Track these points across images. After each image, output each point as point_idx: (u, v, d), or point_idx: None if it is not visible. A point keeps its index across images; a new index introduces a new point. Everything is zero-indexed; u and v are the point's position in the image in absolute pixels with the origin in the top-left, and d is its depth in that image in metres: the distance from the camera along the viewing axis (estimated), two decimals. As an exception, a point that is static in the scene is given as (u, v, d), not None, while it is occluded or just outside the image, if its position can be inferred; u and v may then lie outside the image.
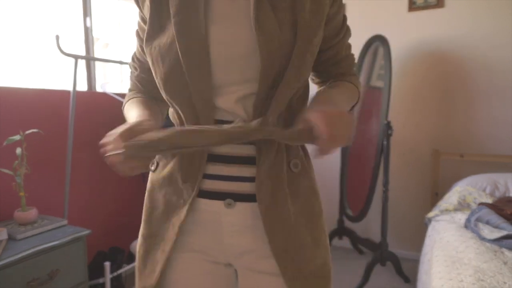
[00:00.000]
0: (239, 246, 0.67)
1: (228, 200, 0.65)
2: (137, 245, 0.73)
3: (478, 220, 1.73)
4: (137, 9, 0.74)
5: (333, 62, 0.77)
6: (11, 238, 1.40)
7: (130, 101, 0.78)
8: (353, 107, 0.80)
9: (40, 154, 1.76)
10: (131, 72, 0.83)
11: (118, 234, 2.20)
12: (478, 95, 2.39)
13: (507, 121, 2.33)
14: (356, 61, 0.83)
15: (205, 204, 0.67)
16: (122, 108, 0.81)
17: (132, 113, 0.72)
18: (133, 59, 0.80)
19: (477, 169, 2.36)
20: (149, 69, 0.71)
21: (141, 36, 0.72)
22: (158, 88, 0.70)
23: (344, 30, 0.74)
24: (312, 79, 0.84)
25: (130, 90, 0.84)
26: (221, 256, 0.70)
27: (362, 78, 2.59)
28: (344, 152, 2.67)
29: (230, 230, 0.67)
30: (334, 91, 0.74)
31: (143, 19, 0.72)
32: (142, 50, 0.73)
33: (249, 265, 0.69)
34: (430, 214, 2.10)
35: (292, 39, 0.61)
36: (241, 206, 0.65)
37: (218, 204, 0.66)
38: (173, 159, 0.69)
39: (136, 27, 0.76)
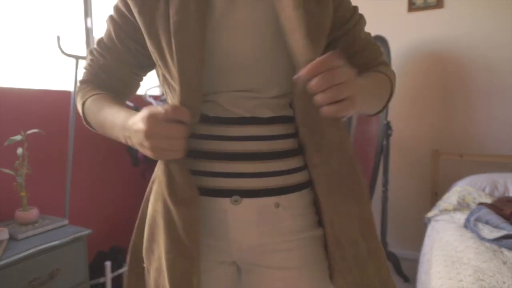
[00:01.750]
0: (245, 241, 0.67)
1: (235, 197, 0.65)
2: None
3: (478, 220, 1.73)
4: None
5: (353, 52, 0.73)
6: (12, 238, 1.40)
7: (95, 99, 0.71)
8: (387, 101, 0.76)
9: (41, 154, 1.76)
10: (92, 60, 0.75)
11: (118, 234, 2.20)
12: (478, 95, 2.40)
13: (506, 121, 2.33)
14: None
15: (212, 202, 0.66)
16: (80, 108, 0.74)
17: (113, 112, 0.66)
18: (100, 45, 0.74)
19: (477, 169, 2.37)
20: (121, 58, 0.72)
21: (121, 22, 0.70)
22: (122, 81, 0.73)
23: (355, 18, 0.71)
24: None
25: (84, 82, 0.77)
26: (227, 254, 0.69)
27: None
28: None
29: (236, 226, 0.66)
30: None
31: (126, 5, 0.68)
32: (119, 36, 0.70)
33: (254, 260, 0.69)
34: (430, 214, 2.11)
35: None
36: (247, 202, 0.66)
37: (224, 202, 0.66)
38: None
39: (112, 13, 0.72)
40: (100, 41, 0.74)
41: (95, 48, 0.75)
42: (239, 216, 0.66)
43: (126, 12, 0.68)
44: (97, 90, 0.74)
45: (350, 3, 0.72)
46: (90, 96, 0.72)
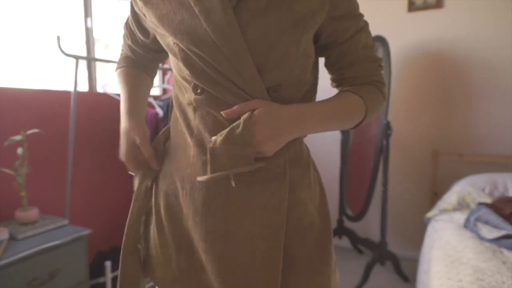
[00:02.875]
0: None
1: None
2: None
3: (477, 219, 1.73)
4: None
5: (342, 65, 0.72)
6: (12, 238, 1.40)
7: (122, 71, 0.85)
8: (358, 124, 0.71)
9: (41, 154, 1.76)
10: (126, 35, 0.84)
11: (119, 234, 2.19)
12: (477, 96, 2.39)
13: (506, 121, 2.33)
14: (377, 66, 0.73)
15: None
16: (115, 70, 0.88)
17: (123, 91, 0.80)
18: (131, 22, 0.80)
19: (476, 169, 2.36)
20: (149, 35, 0.78)
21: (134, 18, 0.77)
22: (152, 52, 0.82)
23: (353, 29, 0.68)
24: (331, 83, 0.78)
25: (122, 54, 0.88)
26: None
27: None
28: (343, 152, 2.67)
29: None
30: (318, 104, 0.68)
31: None
32: (140, 18, 0.75)
33: None
34: (430, 214, 2.10)
35: None
36: None
37: None
38: None
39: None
40: (129, 21, 0.81)
41: (126, 25, 0.83)
42: None
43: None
44: (130, 63, 0.86)
45: (353, 10, 0.68)
46: (122, 66, 0.86)
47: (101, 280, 1.72)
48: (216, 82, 0.62)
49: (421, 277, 1.58)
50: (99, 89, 2.19)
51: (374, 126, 2.38)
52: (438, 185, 2.47)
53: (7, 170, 1.47)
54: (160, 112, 1.99)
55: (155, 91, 2.68)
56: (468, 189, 2.12)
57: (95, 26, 2.13)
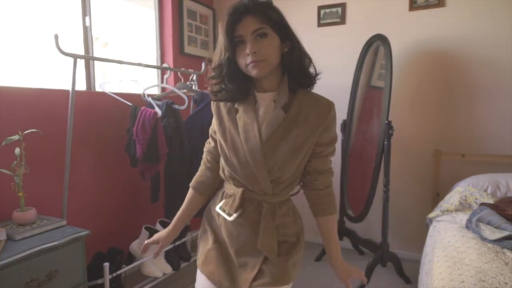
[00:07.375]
0: None
1: None
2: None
3: (479, 220, 1.72)
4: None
5: (315, 171, 1.05)
6: (9, 239, 1.40)
7: (189, 192, 1.19)
8: None
9: (39, 154, 1.75)
10: (205, 151, 1.20)
11: (117, 235, 2.19)
12: (480, 95, 2.38)
13: (508, 121, 2.32)
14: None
15: None
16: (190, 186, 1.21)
17: (180, 210, 1.19)
18: (209, 143, 1.19)
19: (479, 169, 2.35)
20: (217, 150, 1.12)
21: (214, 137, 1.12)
22: (217, 161, 1.13)
23: (329, 150, 1.04)
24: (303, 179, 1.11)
25: (203, 163, 1.20)
26: None
27: (362, 78, 2.58)
28: (344, 152, 2.66)
29: None
30: (335, 246, 1.09)
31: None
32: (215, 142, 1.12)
33: None
34: (431, 215, 2.09)
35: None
36: None
37: None
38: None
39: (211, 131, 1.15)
40: (208, 144, 1.17)
41: (206, 146, 1.18)
42: None
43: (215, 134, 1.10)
44: (200, 183, 1.18)
45: (332, 141, 1.03)
46: (194, 186, 1.19)
47: (99, 281, 1.70)
48: (244, 180, 1.02)
49: (423, 278, 1.57)
50: (97, 88, 2.18)
51: (375, 126, 2.37)
52: (440, 185, 2.46)
53: (4, 171, 1.46)
54: (158, 111, 1.98)
55: (154, 90, 2.66)
56: (470, 189, 2.11)
57: (93, 24, 2.12)
